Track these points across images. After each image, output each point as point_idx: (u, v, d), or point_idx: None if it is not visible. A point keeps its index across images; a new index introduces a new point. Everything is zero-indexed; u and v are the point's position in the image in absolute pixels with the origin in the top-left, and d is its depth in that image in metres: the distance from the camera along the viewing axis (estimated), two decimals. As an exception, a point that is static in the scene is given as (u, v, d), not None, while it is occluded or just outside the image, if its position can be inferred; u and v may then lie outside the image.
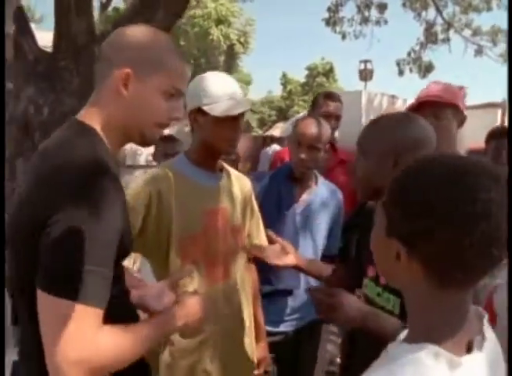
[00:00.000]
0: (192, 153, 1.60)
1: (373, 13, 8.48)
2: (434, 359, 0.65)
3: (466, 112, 1.94)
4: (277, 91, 33.36)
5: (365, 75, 11.25)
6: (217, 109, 1.47)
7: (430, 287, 0.70)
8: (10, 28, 3.27)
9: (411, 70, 9.54)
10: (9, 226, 0.98)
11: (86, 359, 0.85)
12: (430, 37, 9.10)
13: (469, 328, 0.71)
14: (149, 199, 1.46)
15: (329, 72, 30.86)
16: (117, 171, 1.05)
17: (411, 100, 2.11)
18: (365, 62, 11.53)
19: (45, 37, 5.17)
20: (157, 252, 1.54)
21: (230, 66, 24.23)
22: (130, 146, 9.45)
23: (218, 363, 1.59)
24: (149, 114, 1.05)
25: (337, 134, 2.90)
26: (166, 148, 2.83)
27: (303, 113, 8.72)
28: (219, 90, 1.49)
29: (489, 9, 8.68)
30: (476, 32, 9.40)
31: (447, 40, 9.14)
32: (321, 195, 2.06)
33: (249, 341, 1.70)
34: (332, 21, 8.35)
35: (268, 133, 9.79)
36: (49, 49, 3.56)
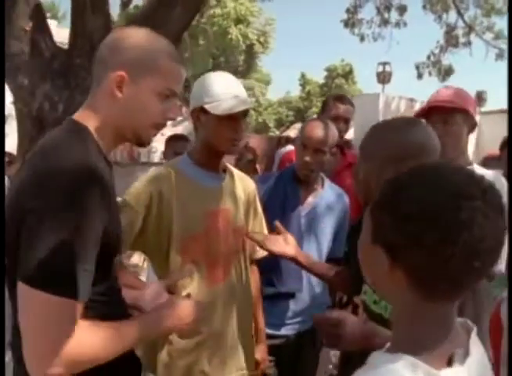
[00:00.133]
0: (195, 154, 1.60)
1: (393, 15, 8.41)
2: (411, 370, 0.64)
3: (486, 118, 1.91)
4: (295, 91, 33.34)
5: (384, 78, 11.16)
6: (218, 107, 1.47)
7: (413, 297, 0.69)
8: (27, 25, 3.32)
9: (430, 74, 9.45)
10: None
11: (61, 353, 0.86)
12: (451, 40, 9.00)
13: (453, 341, 0.70)
14: (149, 199, 1.47)
15: (348, 74, 30.70)
16: (108, 170, 1.06)
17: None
18: (384, 64, 11.43)
19: (66, 35, 5.26)
20: (158, 252, 1.55)
21: (249, 66, 24.25)
22: (145, 144, 9.51)
23: (216, 364, 1.58)
24: (144, 116, 1.07)
25: (351, 136, 2.88)
26: (176, 147, 2.85)
27: (320, 114, 8.66)
28: (221, 89, 1.50)
29: (512, 12, 8.52)
30: (498, 36, 9.25)
31: (468, 43, 9.02)
32: (327, 198, 2.04)
33: (248, 342, 1.69)
34: (350, 23, 8.31)
35: (285, 134, 9.78)
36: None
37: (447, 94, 1.89)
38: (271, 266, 1.91)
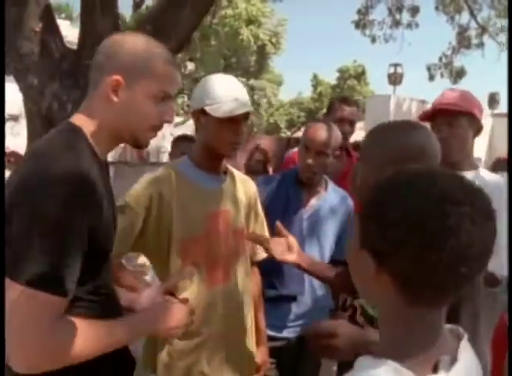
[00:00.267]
0: (195, 155, 1.60)
1: (404, 16, 8.35)
2: None
3: (499, 120, 1.89)
4: (307, 92, 33.27)
5: (395, 79, 11.09)
6: (218, 110, 1.47)
7: (400, 303, 0.69)
8: (37, 26, 3.35)
9: (442, 75, 9.37)
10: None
11: (40, 348, 0.88)
12: (463, 41, 8.91)
13: (440, 348, 0.69)
14: (149, 201, 1.48)
15: (360, 75, 30.57)
16: (102, 173, 1.07)
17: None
18: (395, 65, 11.36)
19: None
20: (158, 254, 1.56)
21: (261, 67, 24.24)
22: (154, 144, 9.62)
23: (216, 365, 1.59)
24: (140, 119, 1.09)
25: (361, 137, 2.86)
26: (182, 148, 2.86)
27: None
28: (222, 92, 1.49)
29: (526, 13, 8.42)
30: None
31: (481, 45, 8.92)
32: (330, 201, 2.03)
33: (249, 344, 1.69)
34: (361, 24, 8.27)
35: (296, 135, 9.77)
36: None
37: (452, 96, 1.87)
38: (272, 269, 1.91)
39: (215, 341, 1.57)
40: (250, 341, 1.71)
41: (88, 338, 0.95)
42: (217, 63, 18.88)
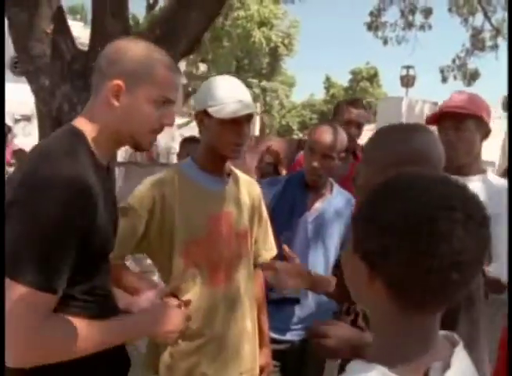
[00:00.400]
0: (198, 157, 1.61)
1: (417, 18, 8.29)
2: None
3: None
4: (320, 94, 33.22)
5: (407, 81, 11.02)
6: (221, 111, 1.47)
7: (392, 308, 0.68)
8: (49, 27, 3.39)
9: (455, 78, 9.30)
10: None
11: (26, 343, 0.90)
12: (477, 43, 8.83)
13: (433, 355, 0.68)
14: (152, 204, 1.48)
15: (373, 77, 30.46)
16: (101, 176, 1.09)
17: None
18: (408, 68, 11.29)
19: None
20: (160, 255, 1.56)
21: (273, 68, 24.25)
22: (164, 145, 9.68)
23: (218, 367, 1.58)
24: (140, 123, 1.11)
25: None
26: (189, 149, 2.87)
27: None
28: (226, 93, 1.49)
29: (542, 15, 8.31)
30: (526, 39, 9.03)
31: (495, 47, 8.83)
32: (335, 204, 2.02)
33: (251, 346, 1.69)
34: (374, 26, 8.23)
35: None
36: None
37: (459, 99, 1.85)
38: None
39: (217, 342, 1.57)
40: (253, 343, 1.70)
41: (77, 336, 0.97)
42: (229, 64, 18.92)
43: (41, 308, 0.93)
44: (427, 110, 9.34)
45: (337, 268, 1.97)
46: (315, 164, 1.90)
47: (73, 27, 4.94)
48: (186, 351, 1.55)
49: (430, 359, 0.67)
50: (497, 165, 9.21)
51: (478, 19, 8.74)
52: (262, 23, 19.70)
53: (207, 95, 1.52)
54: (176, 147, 7.95)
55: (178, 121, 11.70)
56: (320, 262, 1.98)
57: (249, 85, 20.86)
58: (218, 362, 1.58)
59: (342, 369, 1.53)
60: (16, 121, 9.27)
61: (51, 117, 3.50)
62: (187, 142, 2.96)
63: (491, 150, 2.15)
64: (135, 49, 1.10)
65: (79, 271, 0.99)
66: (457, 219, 0.62)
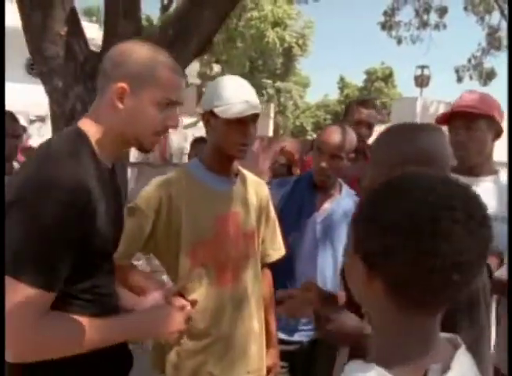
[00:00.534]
0: (205, 157, 1.61)
1: (432, 17, 8.21)
2: None
3: None
4: (334, 94, 33.08)
5: (422, 81, 10.91)
6: (227, 111, 1.48)
7: (392, 309, 0.68)
8: (62, 29, 3.43)
9: (471, 77, 9.19)
10: None
11: (22, 339, 0.92)
12: (494, 42, 8.71)
13: (434, 356, 0.67)
14: (159, 204, 1.49)
15: (388, 77, 30.23)
16: (105, 177, 1.11)
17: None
18: (422, 67, 11.17)
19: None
20: (167, 255, 1.57)
21: (287, 69, 24.20)
22: (177, 146, 9.73)
23: (224, 366, 1.59)
24: (144, 125, 1.12)
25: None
26: (199, 149, 2.88)
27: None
28: (232, 93, 1.50)
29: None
30: (544, 38, 8.88)
31: (512, 46, 8.69)
32: (344, 205, 2.01)
33: (258, 346, 1.68)
34: (388, 25, 8.17)
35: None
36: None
37: (470, 99, 1.83)
38: (285, 272, 1.90)
39: (224, 342, 1.58)
40: (260, 344, 1.70)
41: (74, 333, 0.98)
42: (243, 65, 18.94)
43: (37, 305, 0.94)
44: (442, 110, 9.24)
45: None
46: (324, 164, 1.89)
47: (90, 29, 4.98)
48: (193, 350, 1.55)
49: (429, 361, 0.66)
50: None
51: (495, 17, 8.65)
52: (276, 24, 19.67)
53: (213, 95, 1.52)
54: (188, 148, 8.00)
55: (193, 121, 11.76)
56: (329, 263, 1.97)
57: (263, 86, 20.86)
58: (224, 361, 1.58)
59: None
60: (31, 121, 9.41)
61: (64, 118, 3.54)
62: (197, 142, 2.97)
63: (503, 150, 2.10)
64: (139, 52, 1.10)
65: (79, 270, 1.01)
66: (458, 219, 0.62)
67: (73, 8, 3.57)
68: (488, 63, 9.08)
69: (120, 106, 1.08)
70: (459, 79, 9.08)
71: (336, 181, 2.02)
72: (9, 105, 2.44)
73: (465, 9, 8.61)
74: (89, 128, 1.10)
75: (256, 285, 1.68)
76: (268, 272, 1.81)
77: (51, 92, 3.62)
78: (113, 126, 1.10)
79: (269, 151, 9.59)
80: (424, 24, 8.27)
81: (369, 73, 30.95)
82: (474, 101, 1.81)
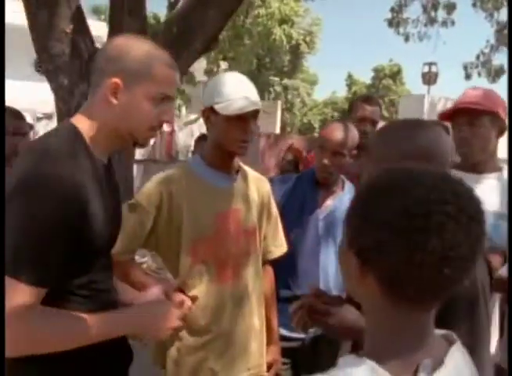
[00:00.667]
0: (206, 154, 1.61)
1: (440, 14, 8.14)
2: None
3: None
4: (342, 92, 32.95)
5: (429, 78, 10.83)
6: (227, 108, 1.48)
7: (385, 304, 0.68)
8: (68, 27, 3.45)
9: (479, 74, 9.10)
10: None
11: (14, 334, 0.92)
12: (502, 39, 8.61)
13: (428, 352, 0.67)
14: (160, 200, 1.50)
15: (396, 74, 30.05)
16: (99, 174, 1.10)
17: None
18: (430, 64, 11.09)
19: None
20: (168, 252, 1.58)
21: (295, 66, 24.15)
22: (183, 143, 9.74)
23: (225, 363, 1.59)
24: (139, 120, 1.11)
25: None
26: (202, 147, 2.88)
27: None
28: (232, 90, 1.50)
29: None
30: (554, 34, 8.78)
31: (521, 42, 8.60)
32: (346, 201, 2.00)
33: (258, 343, 1.69)
34: (395, 22, 8.11)
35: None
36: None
37: (474, 95, 1.81)
38: (287, 268, 1.90)
39: (225, 339, 1.58)
40: (260, 340, 1.70)
41: (67, 327, 0.99)
42: (250, 62, 18.91)
43: (28, 300, 0.94)
44: (450, 108, 9.16)
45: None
46: (326, 161, 1.89)
47: (97, 27, 5.00)
48: (194, 346, 1.56)
49: (422, 356, 0.66)
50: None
51: (503, 14, 8.55)
52: (283, 21, 19.62)
53: (213, 92, 1.52)
54: (194, 145, 8.03)
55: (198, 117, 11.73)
56: (331, 260, 1.96)
57: (270, 83, 20.84)
58: (225, 358, 1.59)
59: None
60: (38, 119, 9.47)
61: (70, 116, 3.54)
62: (201, 139, 2.98)
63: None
64: (133, 47, 1.10)
65: (75, 267, 1.01)
66: (449, 213, 0.61)
67: (78, 6, 3.60)
68: (497, 60, 9.02)
69: (114, 101, 1.07)
70: (468, 76, 9.00)
71: (338, 178, 2.01)
72: (16, 103, 2.46)
73: (473, 5, 8.54)
74: (83, 124, 1.09)
75: (257, 282, 1.68)
76: (269, 269, 1.81)
77: (56, 90, 3.65)
78: (107, 122, 1.09)
79: (276, 148, 9.58)
80: (432, 21, 8.21)
81: (376, 70, 30.76)
82: (478, 97, 1.79)
